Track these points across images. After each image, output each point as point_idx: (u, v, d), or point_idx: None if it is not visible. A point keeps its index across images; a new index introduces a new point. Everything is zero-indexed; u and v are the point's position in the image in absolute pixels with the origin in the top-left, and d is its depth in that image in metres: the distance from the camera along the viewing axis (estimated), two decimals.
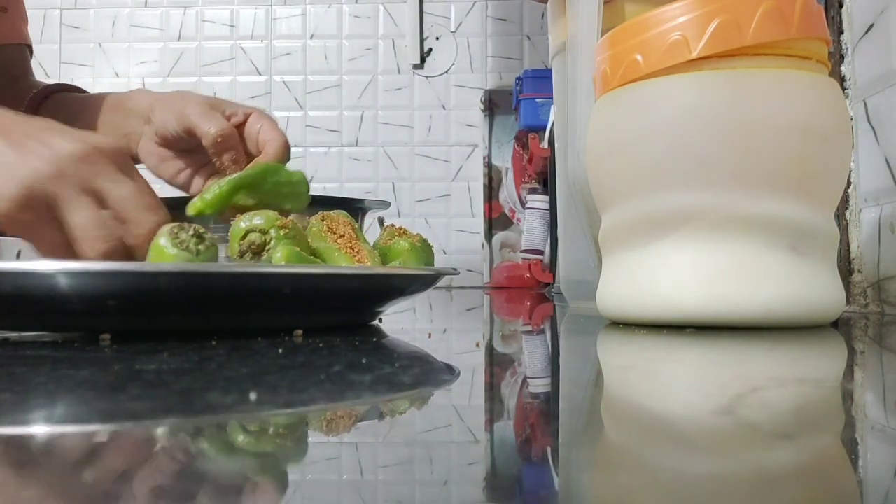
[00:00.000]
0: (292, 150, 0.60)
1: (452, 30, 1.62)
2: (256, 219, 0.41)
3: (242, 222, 0.41)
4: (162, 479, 0.15)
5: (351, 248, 0.44)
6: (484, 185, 1.58)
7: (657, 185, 0.40)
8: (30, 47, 0.82)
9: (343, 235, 0.44)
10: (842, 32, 0.64)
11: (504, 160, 1.58)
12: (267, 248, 0.40)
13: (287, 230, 0.40)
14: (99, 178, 0.46)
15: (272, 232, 0.40)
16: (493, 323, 0.60)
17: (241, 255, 0.40)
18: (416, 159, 1.61)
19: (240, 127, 0.59)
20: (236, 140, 0.58)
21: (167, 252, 0.37)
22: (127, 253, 0.47)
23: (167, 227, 0.38)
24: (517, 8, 1.62)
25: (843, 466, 0.16)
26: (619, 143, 0.42)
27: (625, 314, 0.43)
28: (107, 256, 0.47)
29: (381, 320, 0.48)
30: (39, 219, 0.46)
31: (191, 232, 0.37)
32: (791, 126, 0.38)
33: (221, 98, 0.63)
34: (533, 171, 1.44)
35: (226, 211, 0.48)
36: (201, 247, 0.37)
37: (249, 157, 0.59)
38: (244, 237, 0.40)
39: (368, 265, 0.43)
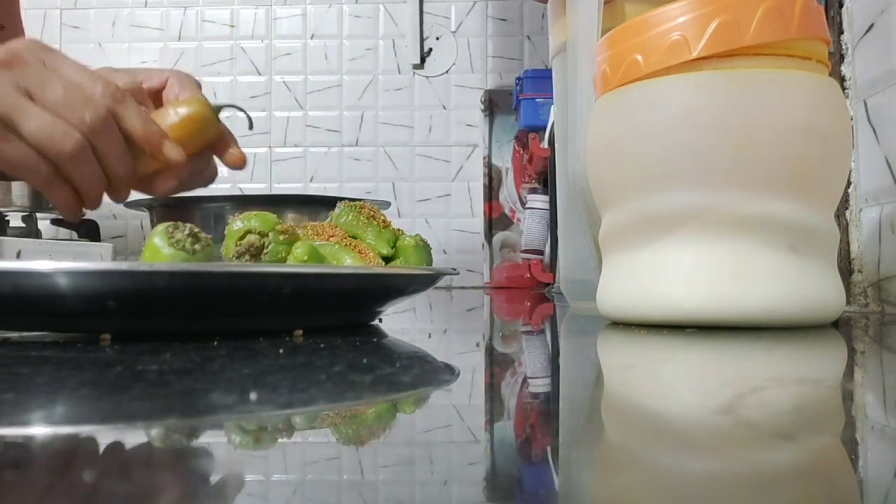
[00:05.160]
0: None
1: (452, 30, 1.62)
2: (254, 220, 0.41)
3: (240, 222, 0.41)
4: (164, 479, 0.15)
5: (349, 244, 0.44)
6: (484, 185, 1.58)
7: (657, 185, 0.40)
8: None
9: (333, 235, 0.45)
10: (842, 32, 0.64)
11: (504, 160, 1.58)
12: (265, 251, 0.40)
13: (286, 235, 0.40)
14: (27, 76, 0.47)
15: (270, 235, 0.40)
16: (493, 323, 0.60)
17: (238, 256, 0.40)
18: (416, 159, 1.61)
19: (159, 90, 0.59)
20: (143, 95, 0.56)
21: (162, 252, 0.36)
22: (91, 135, 0.48)
23: (162, 227, 0.37)
24: (517, 8, 1.62)
25: (843, 466, 0.16)
26: (619, 143, 0.42)
27: (625, 314, 0.43)
28: (78, 152, 0.48)
29: (381, 320, 0.48)
30: (3, 139, 0.46)
31: (186, 231, 0.37)
32: (791, 126, 0.38)
33: (139, 68, 0.63)
34: (533, 171, 1.44)
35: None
36: (197, 246, 0.37)
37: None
38: (242, 237, 0.40)
39: (370, 265, 0.43)
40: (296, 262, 0.40)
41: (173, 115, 0.54)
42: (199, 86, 0.61)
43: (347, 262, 0.43)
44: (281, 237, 0.40)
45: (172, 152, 0.52)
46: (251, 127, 0.63)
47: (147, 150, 0.51)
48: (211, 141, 0.57)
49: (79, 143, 0.47)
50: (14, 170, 0.49)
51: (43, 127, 0.47)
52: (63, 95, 0.47)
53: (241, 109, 0.61)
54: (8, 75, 0.46)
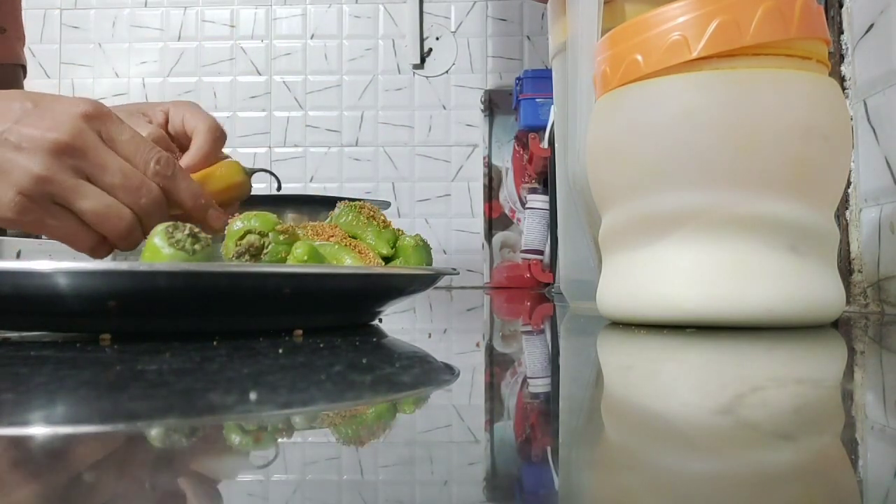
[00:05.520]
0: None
1: (452, 30, 1.62)
2: (254, 220, 0.41)
3: (240, 222, 0.41)
4: (163, 479, 0.15)
5: (349, 244, 0.44)
6: (484, 185, 1.58)
7: (657, 185, 0.40)
8: (24, 67, 0.83)
9: (333, 235, 0.45)
10: (842, 32, 0.64)
11: (504, 160, 1.58)
12: (264, 251, 0.40)
13: (286, 235, 0.40)
14: (87, 161, 0.47)
15: (270, 236, 0.40)
16: (493, 323, 0.60)
17: (238, 256, 0.40)
18: (416, 159, 1.61)
19: (165, 126, 0.60)
20: (167, 142, 0.58)
21: (162, 252, 0.36)
22: (145, 217, 0.49)
23: (161, 227, 0.37)
24: (517, 8, 1.62)
25: (843, 466, 0.16)
26: (619, 143, 0.42)
27: (625, 314, 0.43)
28: (128, 232, 0.49)
29: (381, 320, 0.48)
30: (48, 214, 0.47)
31: (186, 231, 0.37)
32: (791, 126, 0.38)
33: (137, 103, 0.64)
34: (533, 171, 1.44)
35: None
36: (197, 246, 0.37)
37: (183, 150, 0.60)
38: (242, 238, 0.40)
39: (370, 265, 0.43)
40: (296, 263, 0.40)
41: (216, 181, 0.56)
42: (199, 107, 0.61)
43: (347, 262, 0.43)
44: (281, 237, 0.40)
45: (216, 222, 0.54)
46: (279, 189, 0.67)
47: (193, 220, 0.52)
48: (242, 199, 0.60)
49: (130, 224, 0.49)
50: (59, 238, 0.50)
51: (98, 209, 0.48)
52: (120, 179, 0.48)
53: (271, 173, 0.65)
54: (69, 162, 0.47)
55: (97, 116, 0.49)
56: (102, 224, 0.48)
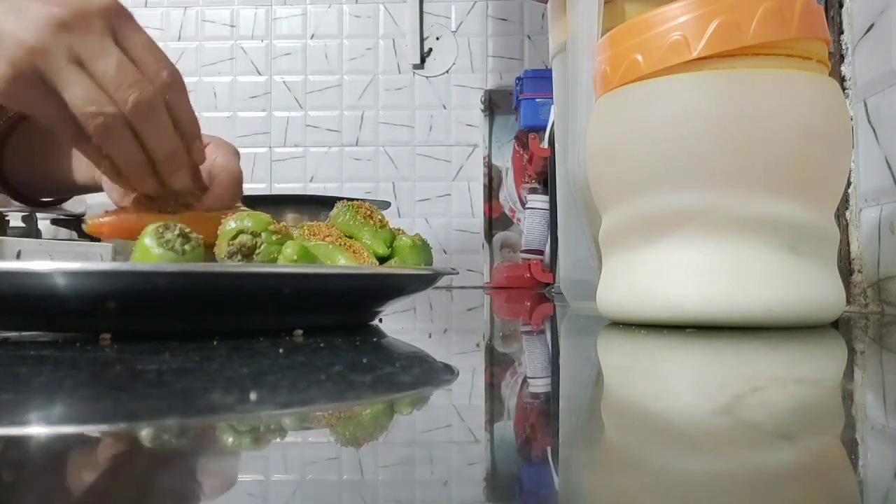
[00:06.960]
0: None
1: (453, 30, 1.62)
2: (247, 220, 0.40)
3: (233, 222, 0.40)
4: (163, 480, 0.15)
5: (343, 244, 0.44)
6: (484, 185, 1.58)
7: (657, 185, 0.40)
8: None
9: (329, 235, 0.45)
10: (842, 32, 0.64)
11: (504, 160, 1.58)
12: (257, 251, 0.40)
13: (279, 235, 0.40)
14: (86, 46, 0.45)
15: (263, 236, 0.40)
16: (494, 323, 0.60)
17: (230, 256, 0.40)
18: (416, 159, 1.61)
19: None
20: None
21: (152, 252, 0.36)
22: (129, 123, 0.46)
23: (152, 227, 0.37)
24: (517, 8, 1.62)
25: (843, 466, 0.16)
26: (619, 143, 0.42)
27: (625, 314, 0.43)
28: (106, 128, 0.46)
29: (381, 320, 0.48)
30: (37, 93, 0.45)
31: (176, 231, 0.37)
32: (791, 126, 0.38)
33: None
34: (533, 171, 1.44)
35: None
36: (187, 247, 0.37)
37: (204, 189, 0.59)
38: (234, 237, 0.40)
39: (368, 265, 0.43)
40: (286, 262, 0.39)
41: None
42: (236, 153, 0.61)
43: (341, 262, 0.42)
44: (274, 237, 0.40)
45: (199, 154, 0.51)
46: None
47: (175, 149, 0.49)
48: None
49: (109, 120, 0.46)
50: (45, 122, 0.47)
51: (80, 97, 0.45)
52: (113, 71, 0.45)
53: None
54: (64, 38, 0.44)
55: (119, 13, 0.46)
56: (83, 114, 0.45)
